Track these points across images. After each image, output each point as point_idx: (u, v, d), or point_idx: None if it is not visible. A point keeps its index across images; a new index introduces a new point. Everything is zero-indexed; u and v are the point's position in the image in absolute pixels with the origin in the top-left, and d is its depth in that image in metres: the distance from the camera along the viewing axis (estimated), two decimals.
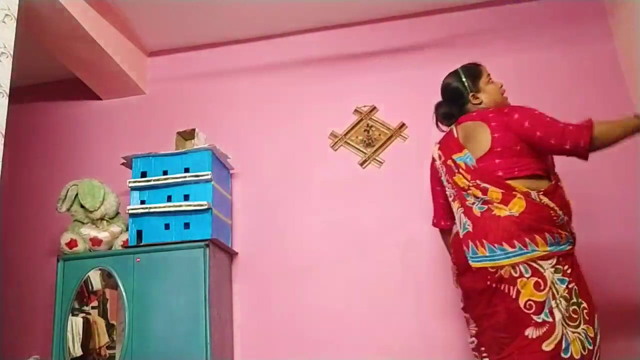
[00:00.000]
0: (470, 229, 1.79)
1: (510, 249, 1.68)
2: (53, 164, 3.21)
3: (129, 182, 2.67)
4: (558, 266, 1.68)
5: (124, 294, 2.49)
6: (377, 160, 2.91)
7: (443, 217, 2.09)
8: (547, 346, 1.61)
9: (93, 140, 3.23)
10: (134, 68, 3.14)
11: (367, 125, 2.98)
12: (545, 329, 1.62)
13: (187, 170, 2.65)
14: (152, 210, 2.59)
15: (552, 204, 1.75)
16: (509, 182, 1.77)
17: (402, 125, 2.94)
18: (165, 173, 2.66)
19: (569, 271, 1.70)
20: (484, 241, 1.73)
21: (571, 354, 1.61)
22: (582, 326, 1.65)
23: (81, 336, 2.51)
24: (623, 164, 2.66)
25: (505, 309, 1.68)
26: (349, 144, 2.97)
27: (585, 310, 1.68)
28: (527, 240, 1.68)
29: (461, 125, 1.99)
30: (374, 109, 3.01)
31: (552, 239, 1.71)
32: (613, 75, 2.80)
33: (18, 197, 3.16)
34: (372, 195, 2.85)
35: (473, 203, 1.81)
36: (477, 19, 3.05)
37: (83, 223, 2.66)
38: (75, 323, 2.52)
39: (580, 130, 1.75)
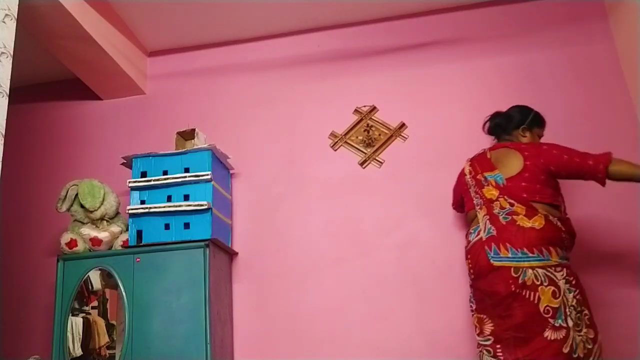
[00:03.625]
0: (494, 233, 2.03)
1: (530, 254, 1.94)
2: (53, 164, 3.21)
3: (129, 182, 2.67)
4: (567, 277, 1.94)
5: (124, 294, 2.49)
6: (377, 160, 2.91)
7: (461, 209, 2.53)
8: (565, 348, 1.85)
9: (93, 140, 3.23)
10: (134, 68, 3.14)
11: (367, 125, 2.98)
12: (563, 334, 1.86)
13: (187, 170, 2.65)
14: (152, 210, 2.59)
15: (564, 228, 2.06)
16: (531, 203, 2.05)
17: (402, 125, 2.95)
18: (165, 173, 2.66)
19: (573, 282, 1.96)
20: (508, 245, 1.97)
21: (578, 355, 1.86)
22: (584, 330, 1.90)
23: (81, 336, 2.51)
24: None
25: (524, 312, 1.90)
26: (349, 144, 2.97)
27: (586, 317, 1.95)
28: (544, 250, 1.95)
29: (495, 151, 2.28)
30: (374, 109, 3.01)
31: (562, 253, 2.01)
32: (613, 75, 2.81)
33: (18, 197, 3.16)
34: (372, 195, 2.85)
35: (499, 213, 2.07)
36: (477, 19, 3.05)
37: (83, 223, 2.66)
38: (75, 323, 2.52)
39: (601, 156, 2.06)
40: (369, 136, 2.96)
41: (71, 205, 2.65)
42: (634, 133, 2.70)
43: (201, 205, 2.55)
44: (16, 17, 1.93)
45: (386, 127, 2.96)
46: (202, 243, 2.50)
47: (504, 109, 2.88)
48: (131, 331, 2.42)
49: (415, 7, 3.08)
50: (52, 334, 2.50)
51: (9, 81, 1.83)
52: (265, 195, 2.95)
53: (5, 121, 1.77)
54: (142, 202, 2.64)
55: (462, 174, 2.38)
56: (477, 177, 2.22)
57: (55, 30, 2.62)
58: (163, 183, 2.63)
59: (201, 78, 3.26)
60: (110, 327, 2.53)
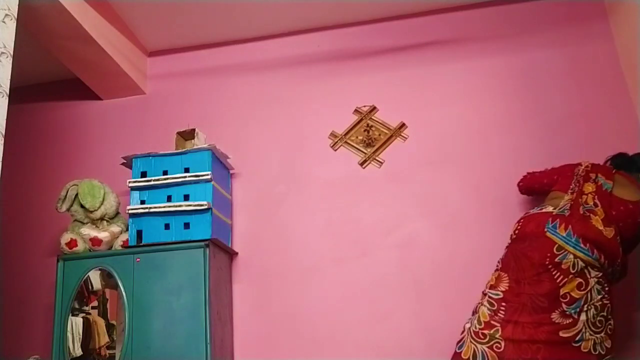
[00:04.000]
0: (566, 214, 2.07)
1: (582, 246, 1.97)
2: (53, 164, 3.21)
3: (129, 182, 2.67)
4: (601, 280, 1.99)
5: (124, 294, 2.49)
6: (377, 160, 2.91)
7: (530, 190, 2.52)
8: (564, 333, 1.91)
9: (93, 140, 3.23)
10: (134, 68, 3.14)
11: (367, 125, 2.98)
12: (568, 322, 1.92)
13: (187, 170, 2.65)
14: (152, 210, 2.59)
15: (619, 260, 2.07)
16: (613, 222, 2.09)
17: (402, 125, 2.95)
18: (165, 173, 2.66)
19: (607, 289, 2.01)
20: (570, 227, 2.01)
21: (581, 345, 1.90)
22: (601, 334, 1.94)
23: (81, 336, 2.51)
24: None
25: (546, 288, 1.96)
26: (349, 144, 2.97)
27: (609, 326, 1.98)
28: (596, 251, 1.98)
29: (620, 175, 2.27)
30: (374, 109, 3.01)
31: (607, 268, 2.03)
32: (613, 75, 2.80)
33: (18, 197, 3.16)
34: (372, 195, 2.85)
35: (581, 205, 2.11)
36: (477, 19, 3.05)
37: (83, 223, 2.66)
38: (75, 323, 2.52)
39: None
40: (369, 136, 2.96)
41: (71, 205, 2.65)
42: (634, 133, 2.69)
43: (201, 205, 2.55)
44: (16, 17, 1.93)
45: (386, 127, 2.96)
46: (202, 243, 2.50)
47: (504, 108, 2.90)
48: (131, 331, 2.41)
49: (415, 7, 3.08)
50: (52, 334, 2.50)
51: (9, 81, 1.83)
52: (265, 195, 2.95)
53: (5, 121, 1.77)
54: (142, 202, 2.64)
55: (573, 165, 2.33)
56: (590, 174, 2.22)
57: (55, 30, 2.62)
58: (163, 183, 2.63)
59: (201, 78, 3.26)
60: (110, 327, 2.53)
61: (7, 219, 3.07)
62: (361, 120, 3.00)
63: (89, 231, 2.63)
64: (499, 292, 2.05)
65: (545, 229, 2.04)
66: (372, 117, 2.99)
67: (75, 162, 3.17)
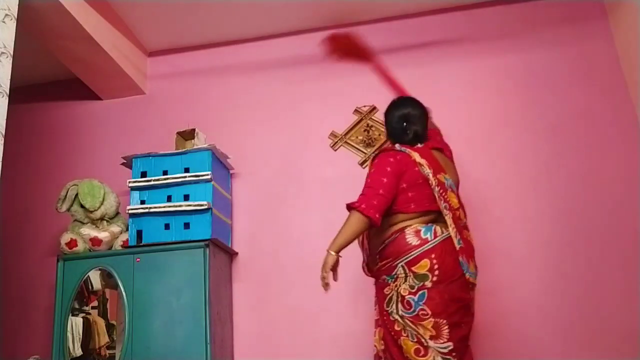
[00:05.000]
0: (462, 245, 1.95)
1: (476, 272, 2.00)
2: (53, 164, 3.21)
3: (129, 182, 2.67)
4: None
5: (124, 294, 2.48)
6: None
7: (382, 213, 1.97)
8: None
9: (93, 140, 3.23)
10: (134, 68, 3.14)
11: (367, 125, 2.98)
12: None
13: (187, 170, 2.65)
14: (152, 210, 2.59)
15: None
16: None
17: None
18: (165, 173, 2.66)
19: None
20: (471, 261, 1.96)
21: None
22: None
23: (81, 336, 2.51)
24: (623, 164, 2.67)
25: (471, 323, 1.98)
26: (349, 144, 2.97)
27: None
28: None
29: (433, 150, 2.10)
30: (374, 109, 3.01)
31: None
32: (613, 75, 2.80)
33: (18, 197, 3.16)
34: None
35: (462, 222, 2.02)
36: (477, 19, 3.05)
37: (83, 223, 2.66)
38: (75, 323, 2.52)
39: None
40: (369, 136, 2.96)
41: (71, 205, 2.65)
42: (634, 133, 2.69)
43: (201, 205, 2.55)
44: (16, 17, 1.93)
45: None
46: (202, 243, 2.50)
47: (504, 108, 2.89)
48: (131, 331, 2.41)
49: (415, 7, 3.08)
50: (52, 334, 2.50)
51: (9, 81, 1.83)
52: (265, 195, 2.95)
53: (5, 121, 1.77)
54: (142, 202, 2.64)
55: (412, 163, 1.98)
56: (438, 176, 1.97)
57: (55, 30, 2.62)
58: (163, 183, 2.63)
59: (201, 78, 3.26)
60: (110, 327, 2.53)
61: (7, 219, 3.07)
62: (361, 120, 3.00)
63: (89, 231, 2.63)
64: (448, 344, 1.84)
65: (467, 275, 1.91)
66: (372, 117, 2.99)
67: (75, 162, 3.17)
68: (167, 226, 2.59)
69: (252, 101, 3.15)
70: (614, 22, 2.86)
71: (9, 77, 1.84)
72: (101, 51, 2.81)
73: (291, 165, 2.97)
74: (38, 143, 3.30)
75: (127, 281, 2.50)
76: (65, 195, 2.64)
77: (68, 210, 2.65)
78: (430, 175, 1.95)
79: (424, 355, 1.84)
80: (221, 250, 2.69)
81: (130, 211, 2.61)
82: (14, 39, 1.89)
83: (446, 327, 1.85)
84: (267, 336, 2.71)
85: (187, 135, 2.85)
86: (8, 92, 1.81)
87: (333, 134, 3.00)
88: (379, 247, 2.00)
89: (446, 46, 3.04)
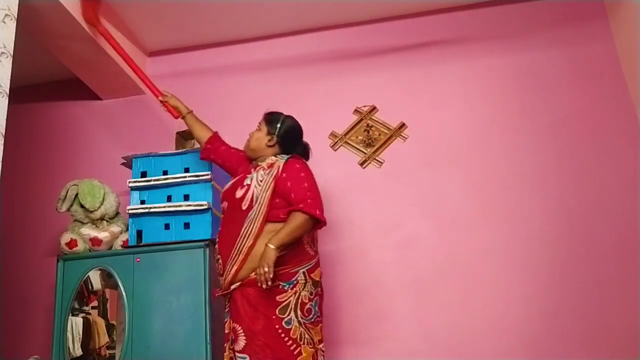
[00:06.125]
0: None
1: None
2: (53, 164, 3.21)
3: (129, 182, 2.67)
4: None
5: (124, 294, 2.48)
6: (377, 160, 2.91)
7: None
8: None
9: (93, 140, 3.23)
10: None
11: (367, 125, 2.98)
12: None
13: (187, 170, 2.64)
14: (152, 210, 2.59)
15: None
16: None
17: (402, 125, 2.95)
18: (165, 173, 2.66)
19: None
20: None
21: None
22: None
23: (81, 336, 2.51)
24: (623, 164, 2.67)
25: None
26: (349, 144, 2.97)
27: None
28: None
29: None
30: (374, 109, 3.01)
31: None
32: (613, 75, 2.80)
33: (18, 197, 3.16)
34: (372, 195, 2.85)
35: None
36: (477, 19, 3.05)
37: (83, 223, 2.66)
38: (75, 323, 2.52)
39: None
40: (369, 136, 2.96)
41: (71, 205, 2.64)
42: (634, 133, 2.70)
43: (201, 205, 2.55)
44: (16, 17, 1.93)
45: (386, 127, 2.96)
46: (202, 243, 2.50)
47: (503, 108, 2.89)
48: (131, 331, 2.41)
49: (415, 7, 3.08)
50: (52, 334, 2.49)
51: (9, 81, 1.83)
52: None
53: (5, 121, 1.77)
54: (142, 202, 2.64)
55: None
56: None
57: (55, 30, 2.62)
58: (163, 183, 2.63)
59: (201, 78, 3.26)
60: (110, 327, 2.53)
61: (7, 219, 3.07)
62: (361, 120, 3.00)
63: (89, 231, 2.63)
64: (323, 344, 2.02)
65: None
66: (372, 117, 2.99)
67: (75, 162, 3.17)
68: (167, 226, 2.58)
69: (252, 101, 3.14)
70: (614, 22, 2.86)
71: (9, 77, 1.84)
72: (101, 51, 2.81)
73: None
74: (38, 143, 3.30)
75: (127, 281, 2.50)
76: (65, 195, 2.64)
77: (68, 210, 2.65)
78: None
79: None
80: None
81: (130, 211, 2.61)
82: (14, 39, 1.89)
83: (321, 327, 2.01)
84: None
85: (187, 135, 2.85)
86: (8, 92, 1.81)
87: (333, 134, 3.00)
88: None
89: (446, 46, 3.04)
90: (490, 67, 2.96)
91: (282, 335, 1.88)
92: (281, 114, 2.32)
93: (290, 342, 1.88)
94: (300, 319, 1.91)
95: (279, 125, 2.26)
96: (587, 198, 2.65)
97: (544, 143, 2.77)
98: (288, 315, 1.90)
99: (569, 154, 2.73)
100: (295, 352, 1.88)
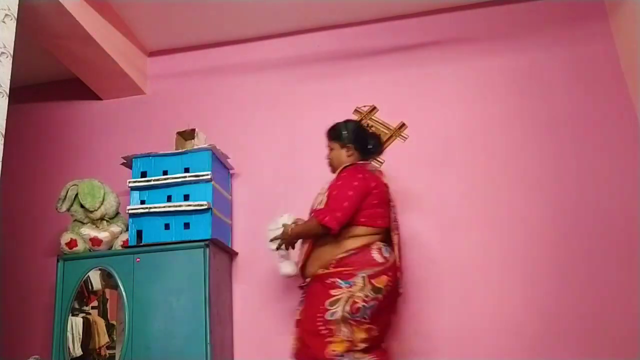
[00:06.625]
0: (398, 261, 2.18)
1: None
2: (53, 164, 3.21)
3: (129, 182, 2.67)
4: None
5: (124, 294, 2.49)
6: (377, 160, 2.91)
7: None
8: None
9: (93, 140, 3.23)
10: (134, 68, 3.14)
11: (367, 125, 2.98)
12: None
13: (187, 170, 2.65)
14: (152, 210, 2.59)
15: None
16: None
17: (402, 125, 2.94)
18: (165, 173, 2.66)
19: None
20: (401, 275, 2.20)
21: None
22: None
23: (81, 336, 2.51)
24: (623, 164, 2.67)
25: None
26: None
27: None
28: None
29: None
30: (374, 109, 3.01)
31: None
32: (613, 75, 2.80)
33: (18, 197, 3.16)
34: None
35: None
36: (477, 19, 3.05)
37: (83, 223, 2.66)
38: (75, 323, 2.52)
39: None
40: None
41: (71, 205, 2.65)
42: (634, 133, 2.69)
43: (201, 205, 2.55)
44: (16, 17, 1.93)
45: (386, 127, 2.96)
46: (202, 243, 2.50)
47: (503, 108, 2.89)
48: (131, 331, 2.42)
49: (415, 7, 3.08)
50: (52, 334, 2.50)
51: (9, 81, 1.83)
52: (265, 195, 2.94)
53: (5, 121, 1.77)
54: (142, 202, 2.64)
55: (383, 185, 2.26)
56: (391, 198, 2.25)
57: (55, 30, 2.62)
58: (163, 183, 2.63)
59: (201, 78, 3.26)
60: (110, 327, 2.53)
61: (7, 219, 3.07)
62: (361, 120, 3.00)
63: (89, 231, 2.63)
64: (367, 344, 2.06)
65: (399, 289, 2.20)
66: (372, 117, 2.99)
67: (75, 162, 3.17)
68: (167, 226, 2.58)
69: (252, 101, 3.15)
70: (615, 22, 2.86)
71: (9, 77, 1.84)
72: (101, 51, 2.81)
73: (291, 165, 2.97)
74: (38, 143, 3.30)
75: (127, 281, 2.50)
76: (65, 195, 2.64)
77: (68, 210, 2.65)
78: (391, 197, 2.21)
79: (338, 356, 1.98)
80: (221, 250, 2.69)
81: (130, 211, 2.61)
82: (14, 39, 1.89)
83: (375, 332, 2.07)
84: (267, 336, 2.71)
85: (187, 135, 2.85)
86: (8, 92, 1.81)
87: None
88: (339, 254, 2.10)
89: (446, 46, 3.04)
90: (490, 67, 2.96)
91: (319, 323, 2.02)
92: (337, 123, 2.40)
93: (326, 330, 2.00)
94: (345, 313, 2.00)
95: (345, 133, 2.35)
96: (587, 198, 2.65)
97: (544, 143, 2.77)
98: (336, 307, 2.01)
99: (569, 154, 2.73)
100: (326, 340, 2.00)
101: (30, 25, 2.55)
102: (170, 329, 2.40)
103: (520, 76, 2.90)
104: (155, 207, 2.59)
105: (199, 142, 2.83)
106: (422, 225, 2.76)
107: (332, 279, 2.06)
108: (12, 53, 1.86)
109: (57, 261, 2.59)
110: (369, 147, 2.36)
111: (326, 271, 2.10)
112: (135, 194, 2.66)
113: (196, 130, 2.84)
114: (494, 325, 2.55)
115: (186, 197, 2.61)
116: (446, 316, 2.60)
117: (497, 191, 2.74)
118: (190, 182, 2.62)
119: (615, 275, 2.52)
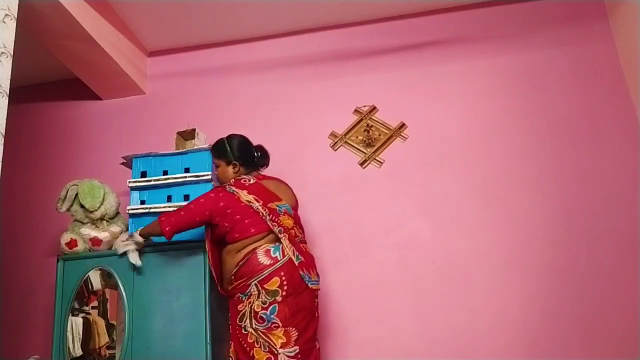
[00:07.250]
0: (302, 259, 2.18)
1: (318, 279, 2.27)
2: (53, 164, 3.21)
3: (129, 182, 2.67)
4: None
5: (124, 294, 2.48)
6: (377, 160, 2.91)
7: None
8: None
9: (93, 140, 3.23)
10: (134, 68, 3.14)
11: (367, 125, 2.98)
12: None
13: (187, 170, 2.64)
14: (152, 210, 2.59)
15: None
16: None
17: (402, 125, 2.95)
18: (165, 173, 2.66)
19: None
20: (312, 271, 2.22)
21: None
22: None
23: (81, 336, 2.51)
24: (623, 164, 2.67)
25: (316, 325, 2.22)
26: (349, 144, 2.97)
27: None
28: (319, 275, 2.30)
29: (266, 181, 2.38)
30: (374, 109, 3.01)
31: None
32: (613, 75, 2.81)
33: (18, 197, 3.16)
34: (372, 195, 2.85)
35: (299, 239, 2.27)
36: (477, 19, 3.05)
37: (83, 223, 2.65)
38: (75, 323, 2.52)
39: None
40: (369, 136, 2.96)
41: (71, 205, 2.64)
42: (634, 133, 2.70)
43: None
44: (16, 17, 1.93)
45: (386, 127, 2.96)
46: (202, 243, 2.50)
47: (503, 108, 2.90)
48: (131, 331, 2.41)
49: (415, 7, 3.08)
50: (52, 334, 2.49)
51: (9, 81, 1.83)
52: None
53: (5, 121, 1.77)
54: (142, 202, 2.64)
55: (237, 200, 2.24)
56: (269, 205, 2.24)
57: (55, 30, 2.62)
58: (163, 183, 2.63)
59: (201, 78, 3.26)
60: (110, 327, 2.53)
61: (7, 219, 3.07)
62: (361, 120, 3.00)
63: (89, 231, 2.63)
64: (295, 348, 2.07)
65: (309, 284, 2.16)
66: (372, 117, 2.99)
67: (75, 162, 3.17)
68: None
69: (252, 101, 3.15)
70: (615, 22, 2.86)
71: (9, 77, 1.83)
72: (101, 51, 2.81)
73: (291, 165, 2.97)
74: (38, 143, 3.30)
75: (127, 281, 2.50)
76: (65, 195, 2.64)
77: (68, 210, 2.65)
78: (260, 207, 2.21)
79: None
80: None
81: (130, 211, 2.61)
82: (14, 39, 1.89)
83: (295, 333, 2.07)
84: None
85: (187, 135, 2.85)
86: (8, 92, 1.81)
87: (333, 134, 3.00)
88: (233, 269, 2.17)
89: (446, 46, 3.04)
90: (490, 67, 2.96)
91: (241, 339, 2.12)
92: (221, 139, 2.44)
93: (246, 345, 2.09)
94: (255, 325, 2.09)
95: (228, 149, 2.40)
96: (587, 198, 2.65)
97: (544, 143, 2.77)
98: (244, 322, 2.11)
99: (569, 153, 2.74)
100: (250, 355, 2.08)
101: (30, 25, 2.55)
102: (170, 328, 2.40)
103: (520, 76, 2.90)
104: (155, 207, 2.58)
105: (199, 142, 2.82)
106: (422, 225, 2.76)
107: (236, 294, 2.17)
108: (12, 53, 1.86)
109: (57, 261, 2.59)
110: (254, 159, 2.43)
111: (231, 286, 2.20)
112: (135, 194, 2.66)
113: (196, 130, 2.84)
114: (494, 325, 2.56)
115: (186, 197, 2.60)
116: (446, 316, 2.60)
117: (496, 191, 2.74)
118: (190, 182, 2.62)
119: (615, 275, 2.52)
